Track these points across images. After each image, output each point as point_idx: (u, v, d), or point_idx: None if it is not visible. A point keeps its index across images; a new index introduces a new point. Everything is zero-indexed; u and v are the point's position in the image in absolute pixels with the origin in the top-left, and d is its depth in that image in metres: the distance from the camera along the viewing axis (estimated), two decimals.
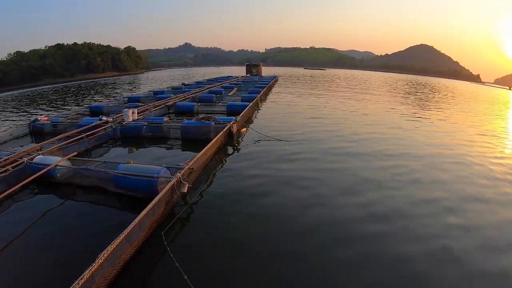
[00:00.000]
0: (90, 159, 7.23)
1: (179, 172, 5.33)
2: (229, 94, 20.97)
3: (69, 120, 12.15)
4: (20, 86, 51.72)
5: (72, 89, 35.31)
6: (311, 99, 22.74)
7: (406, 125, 14.19)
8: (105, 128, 10.16)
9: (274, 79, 37.81)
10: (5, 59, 70.98)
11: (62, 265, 4.03)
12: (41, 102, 23.60)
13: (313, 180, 6.89)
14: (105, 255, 3.37)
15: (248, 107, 13.65)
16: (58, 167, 6.56)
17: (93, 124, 10.44)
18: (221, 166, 7.67)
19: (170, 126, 10.27)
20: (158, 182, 5.38)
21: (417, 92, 35.76)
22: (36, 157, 7.02)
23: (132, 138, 10.11)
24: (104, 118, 11.21)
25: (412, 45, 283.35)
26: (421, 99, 27.65)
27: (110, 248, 3.48)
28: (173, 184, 5.13)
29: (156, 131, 10.12)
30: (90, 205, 5.69)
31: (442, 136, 12.22)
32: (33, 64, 67.08)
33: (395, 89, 38.65)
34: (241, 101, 16.90)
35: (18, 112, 18.37)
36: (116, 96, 21.93)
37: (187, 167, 5.69)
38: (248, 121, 12.84)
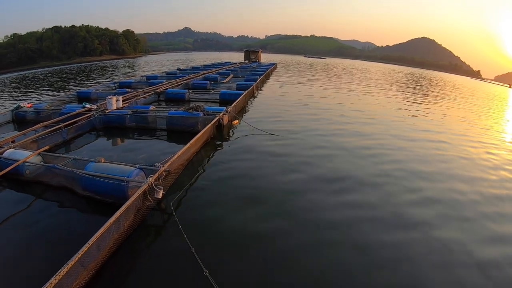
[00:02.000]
0: (61, 154, 6.50)
1: (150, 176, 4.66)
2: (224, 81, 20.12)
3: (52, 107, 11.41)
4: (17, 68, 50.65)
5: (68, 72, 34.30)
6: (310, 88, 22.01)
7: (414, 132, 13.46)
8: (88, 116, 9.47)
9: (272, 66, 36.86)
10: (1, 42, 69.67)
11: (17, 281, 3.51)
12: (40, 85, 22.71)
13: (308, 183, 6.28)
14: (53, 283, 2.79)
15: (242, 96, 12.88)
16: (27, 164, 5.94)
17: (74, 112, 9.74)
18: (207, 162, 7.00)
19: (156, 115, 9.52)
20: (128, 187, 4.74)
21: (418, 86, 35.06)
22: (6, 151, 6.35)
23: (115, 128, 9.39)
24: (88, 105, 10.48)
25: (413, 38, 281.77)
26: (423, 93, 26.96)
27: (60, 274, 2.89)
28: (144, 190, 4.49)
29: (140, 121, 9.38)
30: (59, 209, 5.06)
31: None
32: (30, 46, 65.73)
33: (403, 83, 37.97)
34: (236, 89, 16.18)
35: (17, 95, 17.57)
36: (114, 80, 20.68)
37: (162, 169, 5.02)
38: (241, 112, 12.12)
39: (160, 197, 4.74)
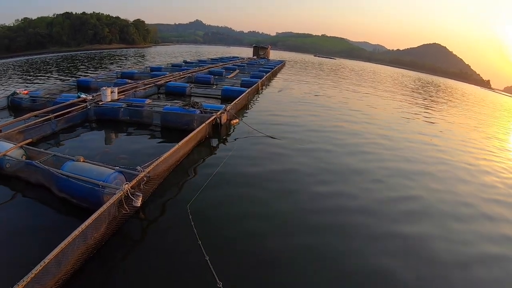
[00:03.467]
0: (42, 150, 5.97)
1: (126, 184, 4.17)
2: (229, 76, 19.59)
3: (47, 96, 11.01)
4: (26, 53, 50.50)
5: (79, 58, 34.16)
6: (317, 89, 21.38)
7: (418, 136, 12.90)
8: (82, 107, 9.04)
9: (281, 64, 36.20)
10: (12, 25, 69.57)
11: None
12: (51, 69, 22.51)
13: (305, 193, 5.78)
14: None
15: (245, 93, 12.33)
16: (7, 157, 5.53)
17: (68, 103, 9.29)
18: (199, 164, 6.52)
19: (152, 110, 9.03)
20: (103, 193, 4.26)
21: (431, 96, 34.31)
22: None
23: (108, 121, 8.93)
24: (83, 95, 10.04)
25: (425, 43, 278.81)
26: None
27: None
28: (118, 198, 4.02)
29: (134, 115, 8.88)
30: (33, 210, 4.66)
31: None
32: (40, 31, 65.43)
33: (415, 90, 37.21)
34: (240, 86, 15.62)
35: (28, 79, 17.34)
36: (117, 70, 20.34)
37: (142, 174, 4.53)
38: (243, 109, 11.61)
39: (139, 205, 4.27)
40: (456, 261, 4.47)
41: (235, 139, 8.29)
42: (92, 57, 36.73)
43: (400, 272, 4.02)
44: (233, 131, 9.04)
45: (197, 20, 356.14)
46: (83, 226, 3.40)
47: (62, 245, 3.12)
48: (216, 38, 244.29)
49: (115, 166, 4.77)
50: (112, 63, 30.10)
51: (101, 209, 3.73)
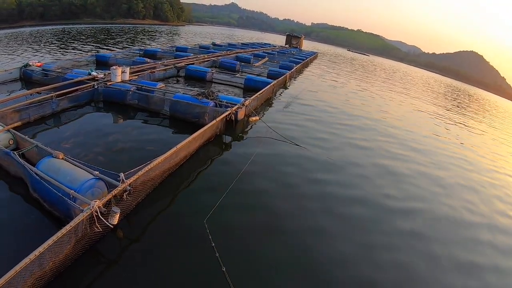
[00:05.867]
0: (27, 138, 5.02)
1: (95, 201, 3.22)
2: (256, 64, 18.34)
3: (59, 70, 10.29)
4: (60, 22, 51.06)
5: (115, 31, 34.19)
6: (352, 88, 19.72)
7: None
8: (89, 86, 8.24)
9: (313, 55, 34.58)
10: None
11: None
12: (87, 40, 22.35)
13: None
14: None
15: (270, 85, 11.09)
16: None
17: (75, 80, 8.54)
18: (204, 170, 5.54)
19: (163, 96, 8.06)
20: (73, 206, 3.35)
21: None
22: None
23: (114, 104, 8.09)
24: (94, 73, 9.26)
25: (461, 50, 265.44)
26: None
27: None
28: (87, 216, 3.12)
29: (142, 100, 7.93)
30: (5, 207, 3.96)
31: None
32: (74, 2, 66.16)
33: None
34: (267, 76, 14.43)
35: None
36: (140, 47, 19.18)
37: (121, 187, 3.57)
38: (265, 104, 10.45)
39: (115, 223, 3.38)
40: None
41: (249, 142, 7.16)
42: (126, 31, 36.44)
43: None
44: (251, 128, 7.96)
45: (232, 2, 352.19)
46: (40, 249, 2.68)
47: (9, 275, 2.35)
48: (250, 22, 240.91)
49: (95, 171, 3.83)
50: (148, 39, 29.88)
51: (65, 229, 2.92)
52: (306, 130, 8.73)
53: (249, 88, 11.52)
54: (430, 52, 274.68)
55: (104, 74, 9.29)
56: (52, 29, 28.94)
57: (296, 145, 7.30)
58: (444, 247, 4.73)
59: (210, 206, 4.30)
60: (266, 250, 3.88)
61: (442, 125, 14.58)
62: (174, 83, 11.37)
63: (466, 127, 16.20)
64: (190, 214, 4.23)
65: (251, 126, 8.10)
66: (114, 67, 8.64)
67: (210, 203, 4.38)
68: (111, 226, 3.33)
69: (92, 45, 19.85)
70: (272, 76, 14.12)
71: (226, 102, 7.71)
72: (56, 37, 22.08)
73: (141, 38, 30.34)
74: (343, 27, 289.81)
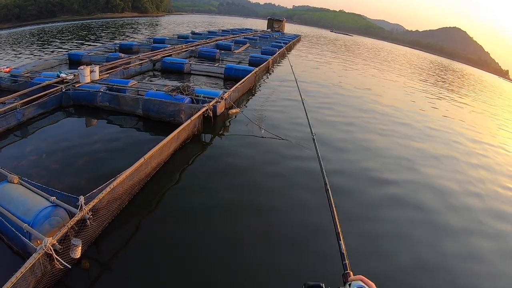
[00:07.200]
0: None
1: (48, 238, 2.74)
2: (237, 51, 17.70)
3: (28, 74, 9.62)
4: (38, 21, 49.23)
5: (96, 26, 32.84)
6: (336, 69, 19.27)
7: None
8: (56, 90, 7.67)
9: (296, 38, 33.95)
10: None
11: None
12: (68, 37, 21.62)
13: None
14: None
15: (251, 73, 10.58)
16: None
17: (43, 84, 7.97)
18: (178, 177, 5.12)
19: (134, 96, 7.49)
20: (28, 243, 2.94)
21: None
22: None
23: (85, 107, 7.54)
24: (63, 74, 8.69)
25: (445, 26, 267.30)
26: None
27: None
28: (41, 256, 2.70)
29: (113, 102, 7.34)
30: None
31: None
32: (51, 0, 63.81)
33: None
34: (248, 63, 13.90)
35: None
36: (115, 42, 18.28)
37: (80, 215, 3.15)
38: (247, 94, 10.00)
39: (78, 256, 2.96)
40: None
41: (230, 139, 6.72)
42: (107, 26, 35.12)
43: None
44: (232, 123, 7.47)
45: None
46: None
47: None
48: (231, 9, 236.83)
49: (52, 196, 3.35)
50: (132, 32, 29.16)
51: (19, 273, 2.51)
52: (293, 121, 8.13)
53: (230, 78, 11.03)
54: (414, 30, 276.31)
55: (74, 75, 8.72)
56: (31, 29, 27.67)
57: (282, 139, 6.79)
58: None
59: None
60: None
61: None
62: (150, 79, 10.80)
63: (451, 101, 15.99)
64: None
65: (231, 120, 7.61)
66: (81, 66, 8.03)
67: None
68: (75, 257, 2.93)
69: (76, 43, 19.08)
70: (254, 63, 13.59)
71: (204, 97, 7.20)
72: (35, 37, 21.19)
73: (123, 32, 29.42)
74: (325, 8, 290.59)
